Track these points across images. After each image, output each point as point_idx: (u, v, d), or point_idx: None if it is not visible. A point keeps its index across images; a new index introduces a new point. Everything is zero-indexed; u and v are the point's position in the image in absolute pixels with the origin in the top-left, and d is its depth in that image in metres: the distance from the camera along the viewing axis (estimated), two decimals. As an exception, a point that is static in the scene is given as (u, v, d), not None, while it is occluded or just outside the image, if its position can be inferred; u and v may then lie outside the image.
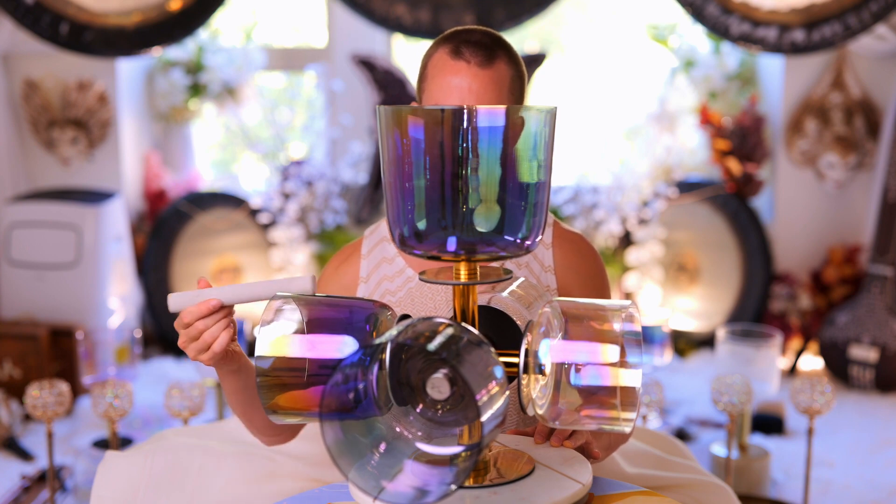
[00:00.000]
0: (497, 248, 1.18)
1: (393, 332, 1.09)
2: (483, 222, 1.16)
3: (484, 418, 1.06)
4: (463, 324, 1.19)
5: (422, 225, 1.17)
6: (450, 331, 1.10)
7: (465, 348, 1.10)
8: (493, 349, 1.14)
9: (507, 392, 1.11)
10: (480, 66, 1.49)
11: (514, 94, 1.53)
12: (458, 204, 1.15)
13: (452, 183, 1.14)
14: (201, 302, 1.35)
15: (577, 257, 1.62)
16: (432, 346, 1.05)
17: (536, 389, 1.20)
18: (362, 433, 1.11)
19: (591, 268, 1.63)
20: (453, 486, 1.04)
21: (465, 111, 1.13)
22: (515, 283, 1.35)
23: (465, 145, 1.13)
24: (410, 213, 1.17)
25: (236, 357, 1.45)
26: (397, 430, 1.16)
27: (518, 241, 1.19)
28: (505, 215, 1.17)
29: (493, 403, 1.07)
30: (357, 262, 1.69)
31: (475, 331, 1.17)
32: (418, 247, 1.19)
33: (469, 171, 1.14)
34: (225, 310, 1.38)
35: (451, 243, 1.17)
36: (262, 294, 1.32)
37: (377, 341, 1.08)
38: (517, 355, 1.20)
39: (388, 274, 1.65)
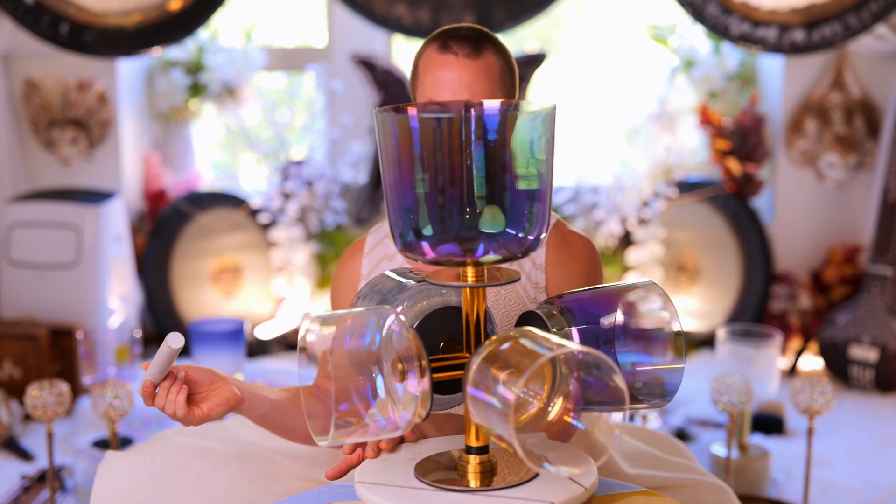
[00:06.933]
0: (504, 249, 1.17)
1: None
2: (486, 223, 1.15)
3: None
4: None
5: (426, 230, 1.16)
6: None
7: None
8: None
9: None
10: (469, 56, 1.51)
11: (505, 84, 1.55)
12: (460, 205, 1.14)
13: (454, 184, 1.14)
14: (142, 388, 1.44)
15: (568, 256, 1.62)
16: None
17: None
18: None
19: (582, 267, 1.62)
20: None
21: (465, 110, 1.12)
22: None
23: (465, 145, 1.13)
24: (413, 217, 1.16)
25: (224, 405, 1.47)
26: None
27: (522, 240, 1.18)
28: (508, 215, 1.16)
29: None
30: (359, 259, 1.70)
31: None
32: (424, 252, 1.17)
33: (470, 171, 1.14)
34: (166, 381, 1.45)
35: (457, 246, 1.16)
36: (165, 360, 1.42)
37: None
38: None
39: (388, 272, 1.65)
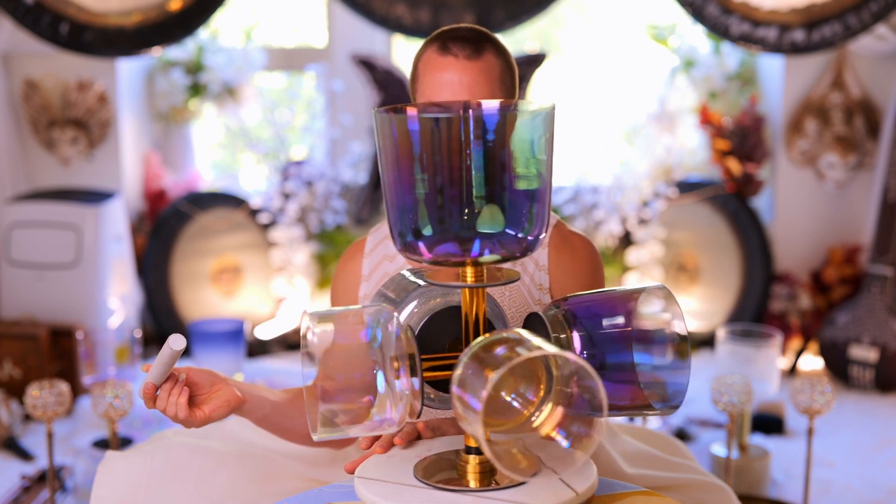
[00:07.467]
0: (503, 249, 1.17)
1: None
2: (485, 223, 1.15)
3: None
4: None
5: (425, 230, 1.16)
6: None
7: None
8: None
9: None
10: (469, 58, 1.51)
11: (505, 85, 1.55)
12: (459, 206, 1.14)
13: (453, 184, 1.13)
14: (143, 390, 1.44)
15: (569, 256, 1.63)
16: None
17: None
18: None
19: (583, 266, 1.63)
20: None
21: (464, 111, 1.12)
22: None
23: (464, 145, 1.12)
24: (412, 217, 1.16)
25: (226, 407, 1.48)
26: None
27: (521, 240, 1.18)
28: (508, 215, 1.16)
29: None
30: (360, 260, 1.70)
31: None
32: (423, 252, 1.17)
33: (469, 171, 1.13)
34: (168, 383, 1.45)
35: (456, 246, 1.16)
36: (167, 362, 1.43)
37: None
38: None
39: (388, 272, 1.65)
